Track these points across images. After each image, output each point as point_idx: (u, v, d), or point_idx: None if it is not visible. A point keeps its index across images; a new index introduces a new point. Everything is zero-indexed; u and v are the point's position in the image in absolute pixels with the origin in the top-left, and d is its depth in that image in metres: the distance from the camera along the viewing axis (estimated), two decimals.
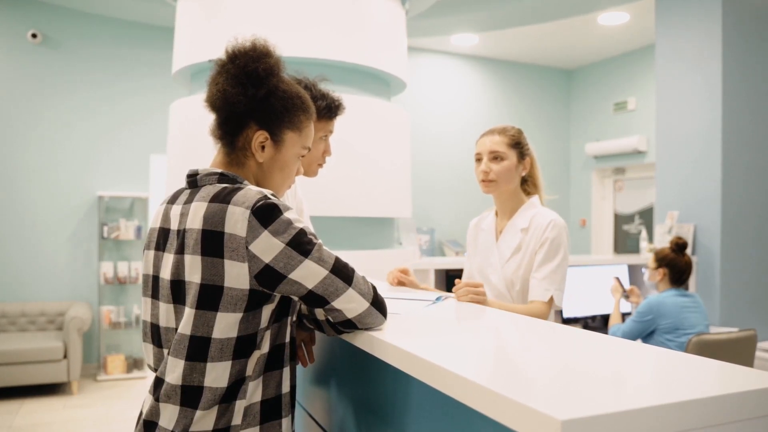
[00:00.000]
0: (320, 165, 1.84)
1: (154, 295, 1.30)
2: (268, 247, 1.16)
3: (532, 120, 7.80)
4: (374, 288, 1.28)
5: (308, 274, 1.19)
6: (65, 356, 5.10)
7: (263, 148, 1.31)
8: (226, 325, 1.18)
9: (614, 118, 7.40)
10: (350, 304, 1.22)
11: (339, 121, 1.89)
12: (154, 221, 1.35)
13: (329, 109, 1.78)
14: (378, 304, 1.26)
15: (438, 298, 1.65)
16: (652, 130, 6.57)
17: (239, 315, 1.18)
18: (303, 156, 1.40)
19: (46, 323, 5.56)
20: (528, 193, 2.05)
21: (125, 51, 5.98)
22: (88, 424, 4.44)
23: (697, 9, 4.53)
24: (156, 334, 1.29)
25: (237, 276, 1.17)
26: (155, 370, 1.29)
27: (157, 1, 5.04)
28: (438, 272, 3.86)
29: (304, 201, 2.01)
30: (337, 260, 1.23)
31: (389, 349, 1.15)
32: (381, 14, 3.44)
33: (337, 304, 1.22)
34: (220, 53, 1.33)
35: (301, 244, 1.18)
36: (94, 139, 5.87)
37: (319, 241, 1.24)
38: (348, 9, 3.27)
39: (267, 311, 1.22)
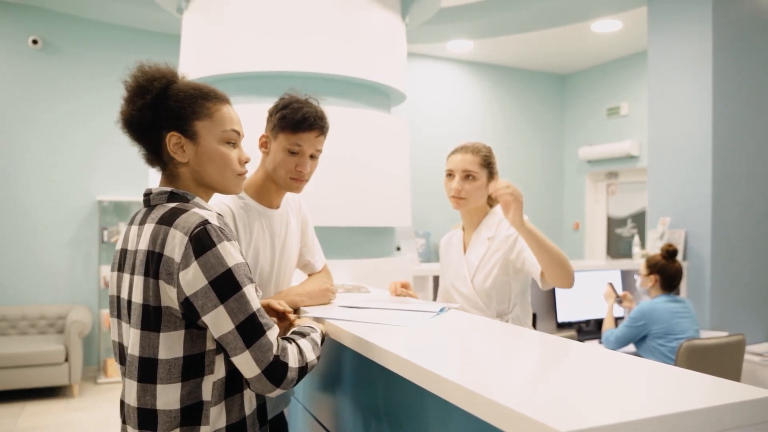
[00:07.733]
0: (293, 179, 1.73)
1: (119, 315, 1.32)
2: (193, 279, 1.16)
3: (527, 124, 7.92)
4: (277, 357, 1.21)
5: (217, 323, 1.18)
6: (66, 359, 5.14)
7: (183, 149, 1.30)
8: (170, 344, 1.19)
9: (607, 122, 7.50)
10: (244, 365, 1.20)
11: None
12: (118, 242, 1.37)
13: (287, 120, 1.68)
14: (272, 373, 1.20)
15: (441, 309, 1.71)
16: (644, 135, 6.66)
17: (182, 332, 1.20)
18: (233, 141, 1.34)
19: (47, 327, 5.60)
20: (491, 205, 2.16)
21: (125, 57, 5.91)
22: (89, 426, 4.48)
23: (688, 16, 4.61)
24: (122, 355, 1.31)
25: (170, 298, 1.19)
26: None
27: (156, 8, 5.09)
28: (437, 279, 3.92)
29: (308, 215, 2.02)
30: (252, 317, 1.19)
31: (402, 363, 1.20)
32: (382, 28, 3.49)
33: (234, 360, 1.21)
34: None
35: (223, 287, 1.16)
36: (93, 143, 5.90)
37: (247, 286, 1.21)
38: (349, 23, 3.33)
39: (210, 332, 1.23)
